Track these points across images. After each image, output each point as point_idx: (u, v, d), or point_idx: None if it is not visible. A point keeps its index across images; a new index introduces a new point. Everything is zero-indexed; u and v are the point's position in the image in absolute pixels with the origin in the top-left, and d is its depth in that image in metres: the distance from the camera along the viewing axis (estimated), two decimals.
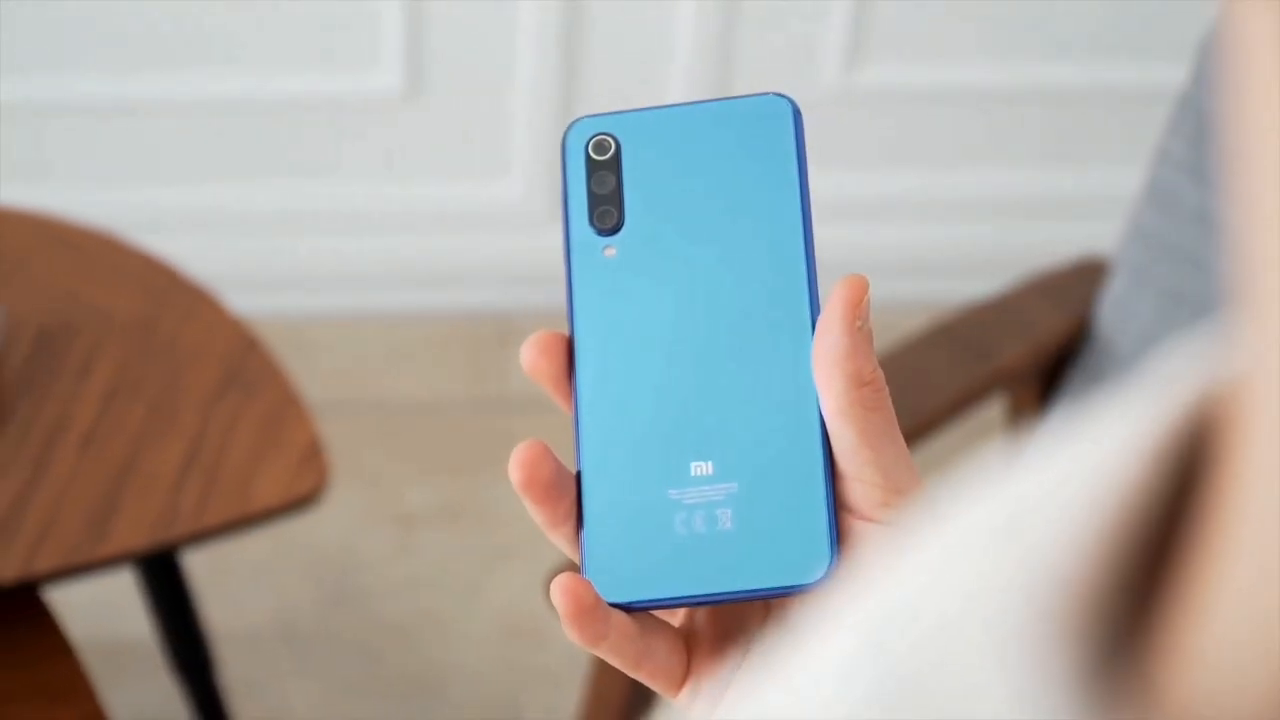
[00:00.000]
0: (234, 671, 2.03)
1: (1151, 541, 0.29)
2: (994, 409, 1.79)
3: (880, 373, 0.64)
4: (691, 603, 0.64)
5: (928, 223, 2.55)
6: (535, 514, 0.65)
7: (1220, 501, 0.28)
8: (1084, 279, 1.65)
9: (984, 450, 2.26)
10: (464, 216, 2.49)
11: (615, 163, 0.69)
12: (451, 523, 2.27)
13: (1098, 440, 0.30)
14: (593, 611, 0.63)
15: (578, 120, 0.70)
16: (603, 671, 1.54)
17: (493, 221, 2.49)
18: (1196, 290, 1.51)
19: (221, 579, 2.15)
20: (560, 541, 0.66)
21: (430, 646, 2.15)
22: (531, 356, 0.67)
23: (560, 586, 0.63)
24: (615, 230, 0.68)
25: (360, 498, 2.27)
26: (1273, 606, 0.26)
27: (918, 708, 0.29)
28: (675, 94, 2.41)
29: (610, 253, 0.68)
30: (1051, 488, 0.29)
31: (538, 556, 2.22)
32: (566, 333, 0.67)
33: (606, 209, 0.68)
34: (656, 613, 0.66)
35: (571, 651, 2.12)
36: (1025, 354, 1.60)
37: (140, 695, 2.04)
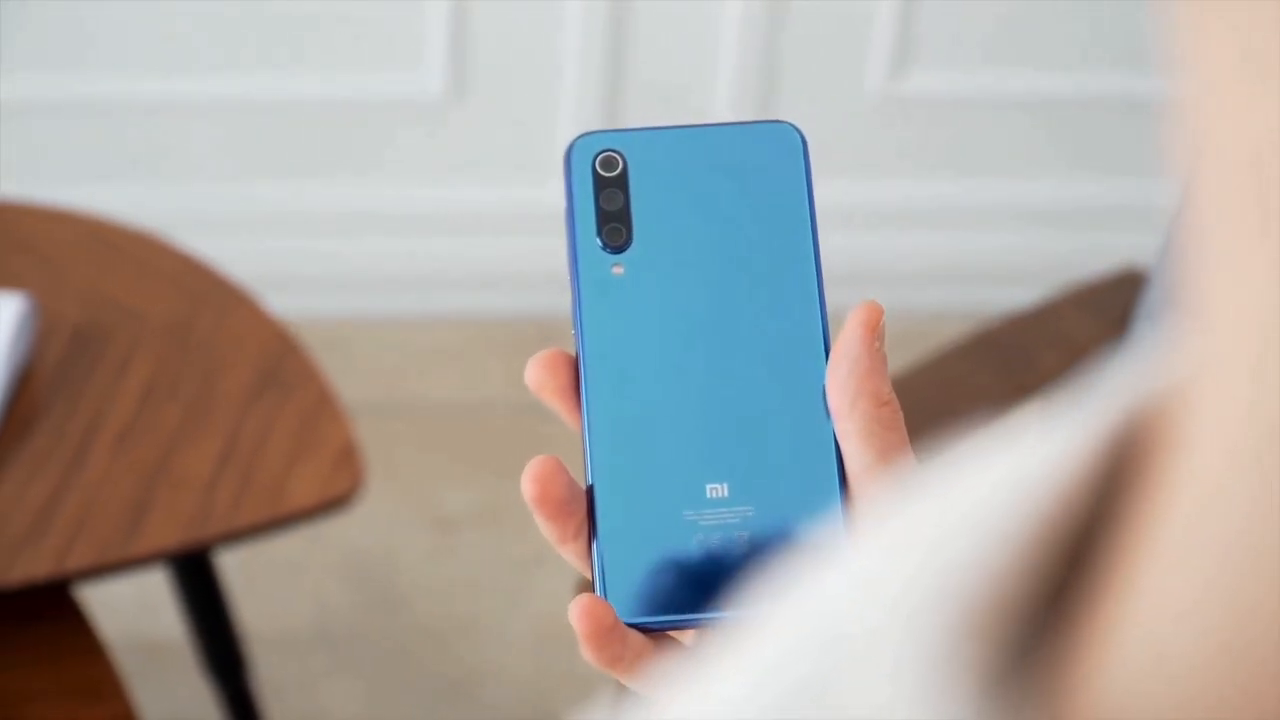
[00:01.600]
0: (267, 673, 2.03)
1: (1071, 553, 0.29)
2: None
3: (895, 396, 0.65)
4: (708, 624, 0.64)
5: (968, 230, 2.54)
6: (545, 529, 0.66)
7: (1145, 512, 0.28)
8: (1123, 289, 1.65)
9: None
10: (506, 219, 2.49)
11: (623, 180, 0.68)
12: (489, 526, 2.27)
13: (1028, 452, 0.29)
14: (611, 633, 0.63)
15: (582, 135, 0.69)
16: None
17: (535, 225, 2.49)
18: None
19: (257, 580, 2.15)
20: (570, 557, 0.66)
21: (465, 650, 2.15)
22: (537, 373, 0.67)
23: (580, 608, 0.63)
24: (624, 248, 0.68)
25: (398, 500, 2.27)
26: (1195, 615, 0.26)
27: (822, 714, 0.29)
28: (720, 98, 2.40)
29: (619, 270, 0.67)
30: (977, 500, 0.29)
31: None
32: (572, 352, 0.67)
33: (616, 226, 0.68)
34: (670, 634, 0.66)
35: None
36: (1063, 364, 1.60)
37: (172, 695, 2.04)
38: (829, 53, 2.39)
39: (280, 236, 2.47)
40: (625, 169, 0.69)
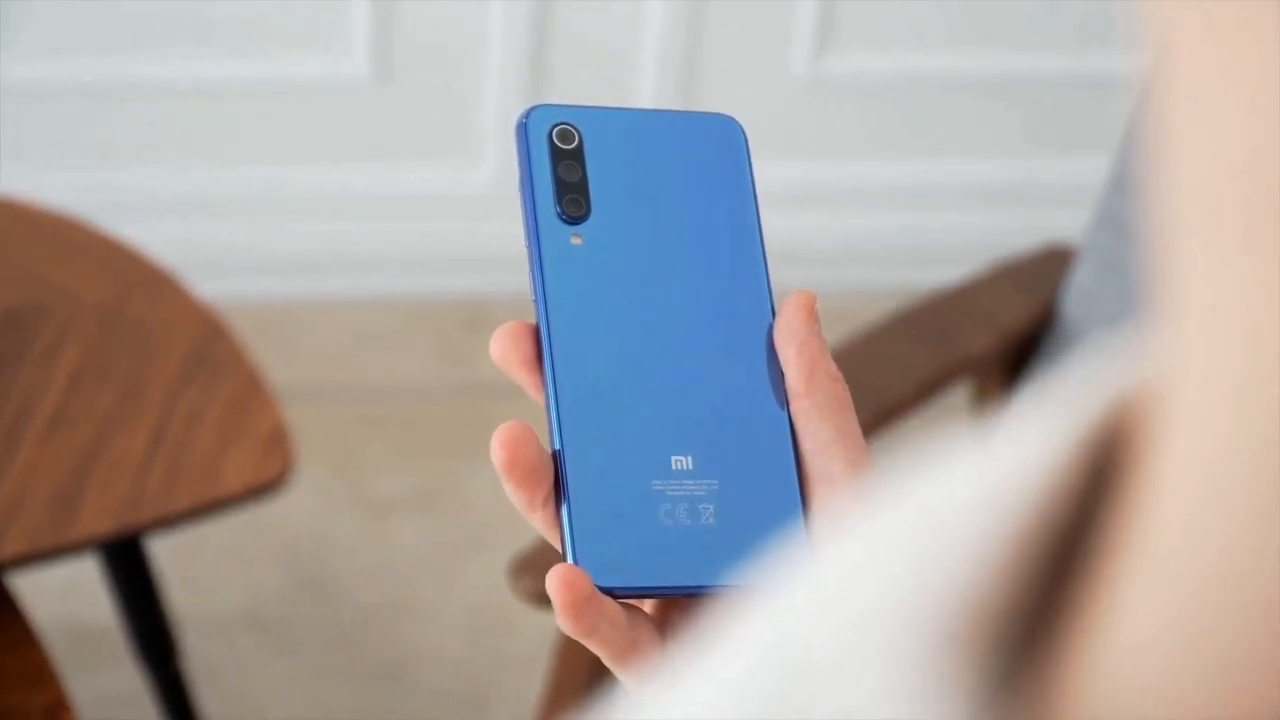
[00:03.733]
0: (200, 658, 2.03)
1: (1057, 552, 0.28)
2: (958, 396, 1.80)
3: (841, 375, 0.66)
4: (678, 592, 0.65)
5: (894, 210, 2.55)
6: (515, 496, 0.66)
7: (1130, 511, 0.27)
8: (1049, 266, 1.66)
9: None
10: (434, 201, 2.49)
11: (580, 153, 0.69)
12: (422, 509, 2.27)
13: (1007, 449, 0.29)
14: (589, 603, 0.63)
15: (535, 107, 0.70)
16: (565, 658, 1.54)
17: (463, 206, 2.49)
18: None
19: (190, 565, 2.15)
20: (538, 524, 0.67)
21: (400, 633, 2.15)
22: (502, 346, 0.67)
23: (559, 578, 0.63)
24: (583, 219, 0.68)
25: (330, 484, 2.27)
26: (1184, 617, 0.26)
27: (806, 716, 0.29)
28: (645, 79, 2.41)
29: (578, 241, 0.68)
30: (957, 499, 0.29)
31: (509, 543, 2.22)
32: (533, 322, 0.68)
33: (575, 197, 0.69)
34: (637, 604, 0.67)
35: (542, 639, 2.12)
36: (990, 341, 1.61)
37: (105, 682, 2.04)
38: (753, 34, 2.40)
39: (208, 220, 2.46)
40: (581, 142, 0.69)
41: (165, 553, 2.08)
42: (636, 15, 2.37)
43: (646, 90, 2.41)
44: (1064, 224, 2.22)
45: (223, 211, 2.46)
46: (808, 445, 0.66)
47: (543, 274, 0.68)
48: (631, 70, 2.41)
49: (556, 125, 0.70)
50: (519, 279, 2.56)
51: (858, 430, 0.66)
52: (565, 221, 0.69)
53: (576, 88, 2.40)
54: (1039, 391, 0.30)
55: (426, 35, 2.36)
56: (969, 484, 0.29)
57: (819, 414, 0.65)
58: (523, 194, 0.69)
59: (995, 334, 1.61)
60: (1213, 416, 0.25)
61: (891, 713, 0.27)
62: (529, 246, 0.69)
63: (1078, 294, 1.58)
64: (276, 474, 1.54)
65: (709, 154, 0.70)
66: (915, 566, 0.28)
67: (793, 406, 0.66)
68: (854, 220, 2.54)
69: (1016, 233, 2.29)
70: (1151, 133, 0.26)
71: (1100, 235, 1.55)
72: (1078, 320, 1.58)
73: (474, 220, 2.50)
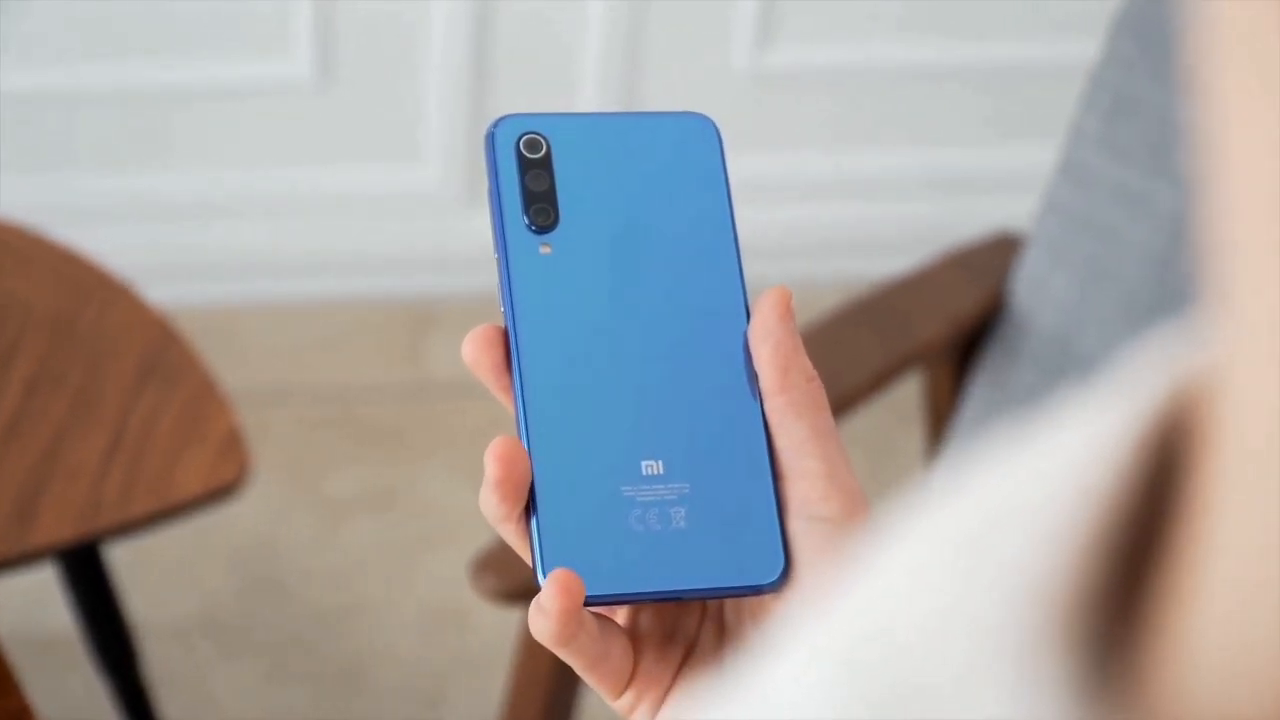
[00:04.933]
0: (157, 664, 2.03)
1: (1131, 543, 0.28)
2: (910, 386, 1.81)
3: (817, 374, 0.66)
4: (650, 599, 0.65)
5: (841, 201, 2.56)
6: (495, 507, 0.65)
7: (1200, 497, 0.27)
8: (999, 254, 1.67)
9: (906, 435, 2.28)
10: (379, 202, 2.49)
11: (548, 161, 0.69)
12: (374, 510, 2.27)
13: (1066, 441, 0.29)
14: (579, 609, 0.63)
15: (504, 117, 0.70)
16: (526, 660, 1.54)
17: (408, 207, 2.49)
18: (1113, 264, 1.53)
19: (143, 572, 2.14)
20: (508, 535, 0.66)
21: (354, 635, 2.15)
22: (473, 351, 0.67)
23: (559, 583, 0.63)
24: (551, 228, 0.68)
25: (281, 486, 2.27)
26: (1260, 601, 0.26)
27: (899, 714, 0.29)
28: (587, 76, 2.41)
29: (546, 250, 0.68)
30: (1021, 493, 0.29)
31: (460, 543, 2.23)
32: (504, 326, 0.68)
33: (542, 207, 0.69)
34: (607, 612, 0.67)
35: (495, 638, 2.13)
36: (942, 329, 1.62)
37: (65, 689, 2.03)
38: (695, 27, 2.41)
39: (153, 226, 2.45)
40: (549, 151, 0.69)
41: (119, 560, 2.08)
42: (578, 13, 2.37)
43: (589, 87, 2.41)
44: (1012, 212, 2.24)
45: (167, 216, 2.45)
46: (783, 444, 0.65)
47: (511, 284, 0.68)
48: (574, 68, 2.41)
49: (524, 135, 0.70)
50: (466, 278, 2.58)
51: (833, 428, 0.65)
52: (533, 231, 0.68)
53: (519, 85, 2.40)
54: (1095, 385, 0.30)
55: (369, 36, 2.36)
56: (1034, 479, 0.29)
57: (794, 412, 0.65)
58: (491, 204, 0.69)
59: (947, 322, 1.62)
60: (1266, 406, 0.25)
61: (988, 711, 0.27)
62: (498, 256, 0.68)
63: (1027, 281, 1.59)
64: (233, 477, 1.55)
65: (681, 155, 0.70)
66: (992, 563, 0.28)
67: (767, 406, 0.66)
68: (800, 212, 2.55)
69: (965, 221, 2.30)
70: (1207, 143, 0.26)
71: (1049, 223, 1.57)
72: (1028, 308, 1.59)
73: (420, 220, 2.50)
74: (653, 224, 0.69)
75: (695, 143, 0.71)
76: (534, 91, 2.40)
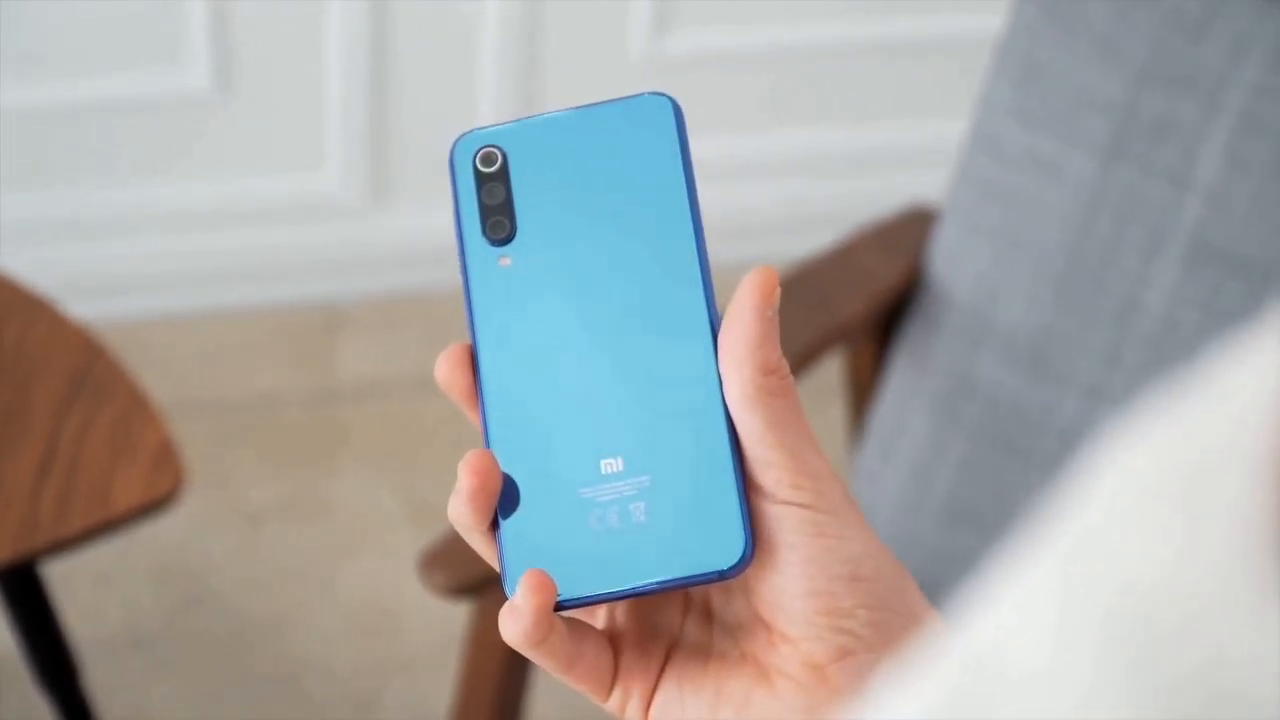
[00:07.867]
0: (91, 681, 2.02)
1: None
2: (831, 362, 1.83)
3: (785, 361, 0.65)
4: (615, 598, 0.66)
5: (751, 182, 2.58)
6: (466, 518, 0.66)
7: None
8: (913, 227, 1.69)
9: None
10: (283, 209, 2.49)
11: (504, 173, 0.70)
12: (295, 518, 2.27)
13: (1244, 382, 0.30)
14: (552, 613, 0.64)
15: (463, 135, 0.70)
16: (474, 659, 1.55)
17: (311, 212, 2.49)
18: (1027, 232, 1.55)
19: (69, 589, 2.14)
20: (476, 544, 0.67)
21: (284, 643, 2.15)
22: (445, 371, 0.68)
23: (535, 584, 0.63)
24: (509, 240, 0.69)
25: (202, 497, 2.26)
26: None
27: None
28: (484, 76, 2.42)
29: (506, 262, 0.69)
30: (1221, 434, 0.30)
31: (384, 548, 2.23)
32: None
33: (498, 219, 0.69)
34: (580, 614, 0.67)
35: (427, 640, 2.13)
36: (864, 304, 1.64)
37: (7, 708, 2.02)
38: (592, 16, 2.42)
39: (58, 243, 2.44)
40: (505, 163, 0.70)
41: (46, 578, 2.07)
42: (475, 9, 2.38)
43: (485, 85, 2.42)
44: (924, 186, 2.26)
45: (72, 233, 2.44)
46: (743, 434, 0.65)
47: (471, 299, 0.69)
48: (473, 65, 2.42)
49: (480, 149, 0.70)
50: (372, 281, 2.57)
51: (795, 415, 0.65)
52: (492, 244, 0.69)
53: (417, 82, 2.41)
54: (1244, 340, 0.31)
55: (265, 43, 2.36)
56: (1225, 421, 0.30)
57: (746, 404, 0.65)
58: (454, 222, 0.70)
59: (868, 297, 1.64)
60: None
61: (1239, 643, 0.28)
62: (461, 273, 0.69)
63: (944, 254, 1.61)
64: (169, 488, 1.55)
65: (639, 143, 0.70)
66: (1221, 503, 0.29)
67: (725, 395, 0.66)
68: (710, 195, 2.56)
69: (876, 197, 2.32)
70: None
71: (962, 193, 1.59)
72: (945, 279, 1.61)
73: (324, 225, 2.50)
74: (611, 223, 0.69)
75: (651, 127, 0.70)
76: (430, 86, 2.41)
